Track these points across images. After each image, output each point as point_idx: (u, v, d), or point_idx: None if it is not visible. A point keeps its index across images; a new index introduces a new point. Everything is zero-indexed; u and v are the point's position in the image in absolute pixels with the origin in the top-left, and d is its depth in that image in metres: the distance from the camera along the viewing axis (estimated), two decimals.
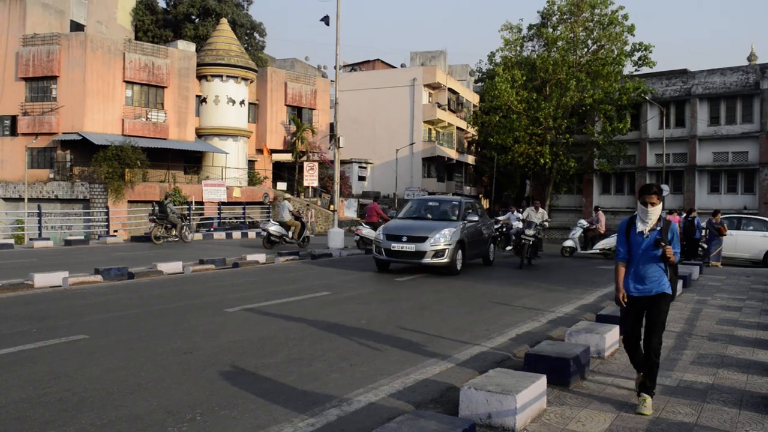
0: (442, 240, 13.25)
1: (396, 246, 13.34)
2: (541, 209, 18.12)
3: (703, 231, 19.35)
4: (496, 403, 4.30)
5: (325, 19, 23.35)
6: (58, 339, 6.74)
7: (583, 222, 21.34)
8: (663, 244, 4.75)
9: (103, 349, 6.42)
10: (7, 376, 5.40)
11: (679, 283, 11.54)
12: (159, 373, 5.61)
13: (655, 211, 4.87)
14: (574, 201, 44.08)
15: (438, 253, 13.17)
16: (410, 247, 13.23)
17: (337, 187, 22.83)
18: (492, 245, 16.94)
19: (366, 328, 7.83)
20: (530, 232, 16.39)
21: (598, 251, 20.07)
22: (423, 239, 13.20)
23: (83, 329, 7.26)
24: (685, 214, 20.25)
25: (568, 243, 20.90)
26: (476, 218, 14.77)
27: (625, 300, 4.93)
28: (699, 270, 14.76)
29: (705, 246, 19.24)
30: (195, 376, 5.52)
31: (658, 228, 4.84)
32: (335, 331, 7.55)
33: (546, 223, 18.53)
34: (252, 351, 6.50)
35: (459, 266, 13.82)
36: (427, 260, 13.20)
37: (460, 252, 13.82)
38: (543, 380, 4.75)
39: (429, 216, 14.90)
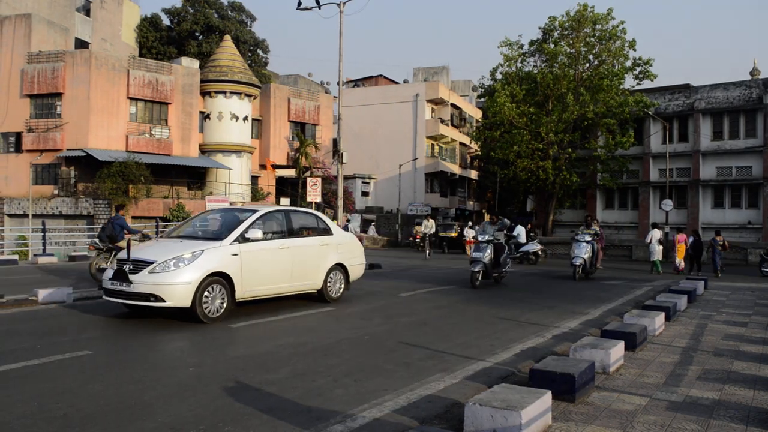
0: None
1: None
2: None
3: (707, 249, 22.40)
4: (501, 419, 4.28)
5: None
6: (62, 355, 6.74)
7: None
8: None
9: (108, 366, 6.42)
10: (11, 391, 5.39)
11: (684, 299, 11.48)
12: (163, 389, 5.60)
13: None
14: (578, 216, 44.04)
15: None
16: None
17: (340, 202, 22.88)
18: None
19: (370, 343, 7.81)
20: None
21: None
22: None
23: (87, 345, 7.26)
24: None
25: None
26: None
27: None
28: (704, 285, 14.71)
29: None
30: (199, 392, 5.51)
31: None
32: (339, 347, 7.53)
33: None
34: (256, 366, 6.49)
35: None
36: None
37: None
38: (548, 396, 4.73)
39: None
